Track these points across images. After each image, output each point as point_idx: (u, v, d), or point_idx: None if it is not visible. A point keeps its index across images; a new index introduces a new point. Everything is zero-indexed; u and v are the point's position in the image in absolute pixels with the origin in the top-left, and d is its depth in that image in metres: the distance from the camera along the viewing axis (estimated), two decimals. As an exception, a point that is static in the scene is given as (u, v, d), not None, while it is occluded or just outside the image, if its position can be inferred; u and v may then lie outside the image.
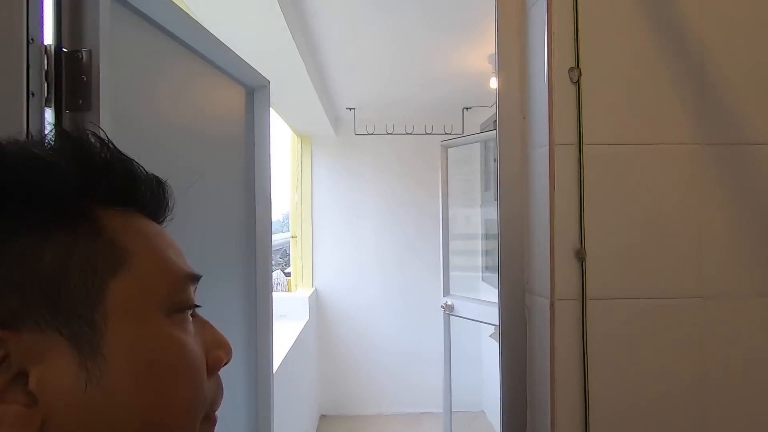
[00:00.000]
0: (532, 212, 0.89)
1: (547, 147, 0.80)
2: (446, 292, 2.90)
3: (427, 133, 3.54)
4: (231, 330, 1.05)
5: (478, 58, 2.44)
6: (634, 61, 0.82)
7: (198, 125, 0.95)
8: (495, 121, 0.93)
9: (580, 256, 0.80)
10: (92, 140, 0.29)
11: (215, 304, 0.96)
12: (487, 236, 3.65)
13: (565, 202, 0.80)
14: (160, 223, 0.34)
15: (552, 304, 0.80)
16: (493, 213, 3.47)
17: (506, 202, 0.93)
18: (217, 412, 0.32)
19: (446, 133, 3.51)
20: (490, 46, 2.30)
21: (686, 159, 0.82)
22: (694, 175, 0.82)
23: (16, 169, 0.26)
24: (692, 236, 0.81)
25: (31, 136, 0.34)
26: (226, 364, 0.32)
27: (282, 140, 3.76)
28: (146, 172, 0.32)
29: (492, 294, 3.41)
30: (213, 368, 0.31)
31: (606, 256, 0.81)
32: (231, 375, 1.04)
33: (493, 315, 2.73)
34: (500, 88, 0.95)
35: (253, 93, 1.20)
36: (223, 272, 1.03)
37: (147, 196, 0.32)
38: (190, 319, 0.31)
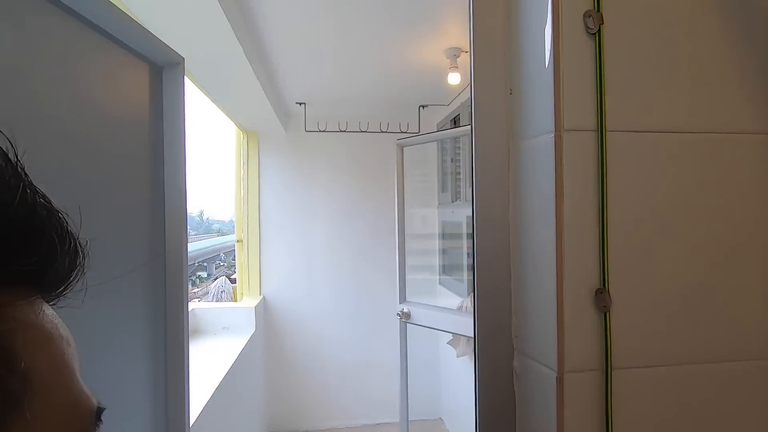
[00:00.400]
0: (524, 232, 0.62)
1: (551, 135, 0.54)
2: (402, 299, 2.76)
3: (382, 132, 3.39)
4: (125, 379, 0.83)
5: (434, 52, 2.31)
6: (683, 5, 0.54)
7: (79, 111, 0.72)
8: (470, 107, 0.67)
9: (603, 303, 0.52)
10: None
11: (110, 327, 0.74)
12: (444, 236, 3.56)
13: (578, 219, 0.53)
14: (55, 302, 0.22)
15: (560, 378, 0.52)
16: (450, 214, 3.38)
17: (484, 216, 0.65)
18: None
19: (402, 132, 3.38)
20: (447, 40, 2.18)
21: (762, 155, 0.55)
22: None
23: None
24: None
25: None
26: None
27: (226, 136, 3.47)
28: (67, 232, 0.21)
29: (450, 299, 3.32)
30: None
31: (643, 302, 0.53)
32: None
33: (451, 321, 2.64)
34: (475, 49, 0.64)
35: (162, 71, 0.98)
36: (117, 298, 0.81)
37: (60, 273, 0.21)
38: None
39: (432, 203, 3.71)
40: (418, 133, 3.25)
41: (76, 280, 0.22)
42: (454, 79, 2.26)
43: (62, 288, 0.22)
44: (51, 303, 0.22)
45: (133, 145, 0.89)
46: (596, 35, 0.53)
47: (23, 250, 0.19)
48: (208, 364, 2.28)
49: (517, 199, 0.63)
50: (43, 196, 0.20)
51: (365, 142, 3.52)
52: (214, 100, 2.63)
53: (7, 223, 0.18)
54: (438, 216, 3.64)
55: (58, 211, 0.21)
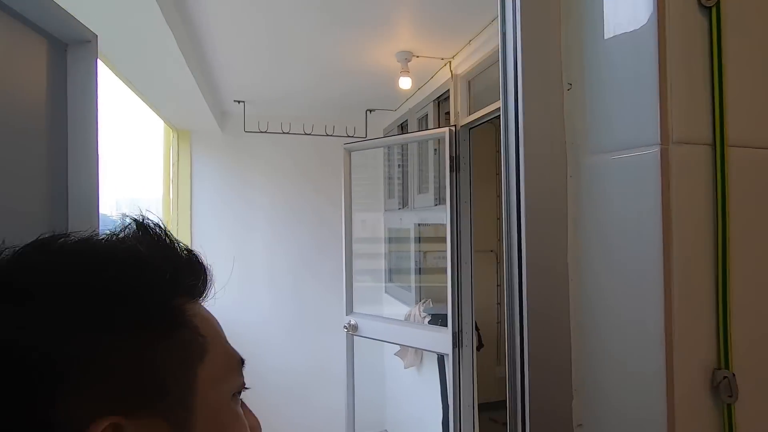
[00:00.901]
0: (593, 283, 0.43)
1: (652, 149, 0.37)
2: (349, 310, 2.64)
3: (327, 135, 3.25)
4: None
5: (385, 55, 2.24)
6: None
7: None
8: (502, 106, 0.49)
9: (727, 391, 0.36)
10: (162, 231, 0.34)
11: None
12: (390, 243, 3.50)
13: (690, 267, 0.37)
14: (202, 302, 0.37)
15: None
16: (398, 221, 3.33)
17: (534, 257, 0.44)
18: None
19: (348, 136, 3.27)
20: (398, 43, 2.11)
21: None
22: None
23: (134, 274, 0.30)
24: None
25: (124, 231, 0.34)
26: None
27: (153, 134, 3.14)
28: (200, 258, 0.36)
29: (396, 307, 3.25)
30: None
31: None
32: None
33: (399, 333, 2.55)
34: (518, 21, 0.43)
35: (66, 49, 0.79)
36: None
37: (203, 282, 0.36)
38: (240, 402, 0.36)
39: (377, 209, 3.64)
40: (366, 138, 3.16)
41: (210, 290, 0.37)
42: (405, 83, 2.20)
43: (205, 295, 0.36)
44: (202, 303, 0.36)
45: (23, 137, 0.70)
46: (713, 11, 0.35)
47: (196, 275, 0.35)
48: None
49: (583, 235, 0.44)
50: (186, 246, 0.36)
51: (309, 145, 3.36)
52: (138, 93, 2.34)
53: (185, 263, 0.34)
54: (384, 222, 3.57)
55: (194, 251, 0.35)
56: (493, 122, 2.91)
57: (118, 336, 0.28)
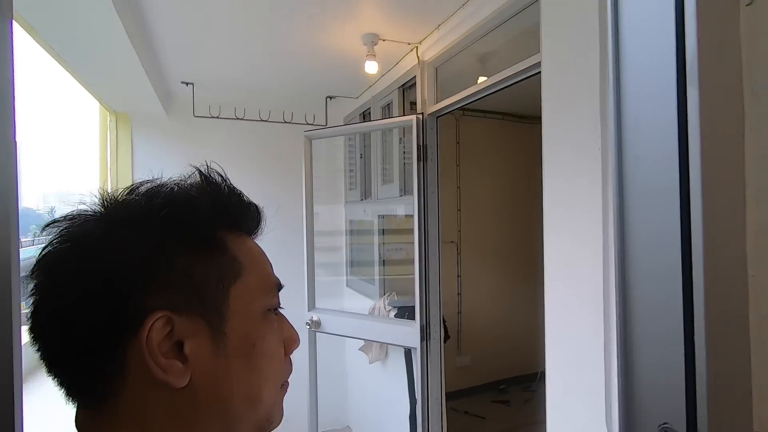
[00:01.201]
0: None
1: None
2: (311, 305, 2.52)
3: (286, 122, 3.08)
4: None
5: (349, 37, 2.12)
6: None
7: None
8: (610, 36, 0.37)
9: None
10: (216, 176, 0.44)
11: None
12: (351, 235, 3.40)
13: None
14: (254, 238, 0.47)
15: None
16: (361, 213, 3.23)
17: (712, 247, 0.33)
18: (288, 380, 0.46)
19: (307, 123, 3.11)
20: (364, 25, 2.00)
21: None
22: None
23: (184, 212, 0.40)
24: None
25: (185, 179, 0.44)
26: (295, 349, 0.46)
27: (86, 118, 2.81)
28: (250, 201, 0.46)
29: (359, 301, 3.18)
30: (287, 352, 0.45)
31: None
32: None
33: (363, 327, 2.48)
34: None
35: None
36: None
37: (251, 221, 0.45)
38: (275, 316, 0.45)
39: (338, 201, 3.53)
40: (327, 126, 3.03)
41: (261, 226, 0.47)
42: (371, 67, 2.09)
43: (257, 231, 0.47)
44: (252, 237, 0.46)
45: None
46: None
47: (241, 215, 0.44)
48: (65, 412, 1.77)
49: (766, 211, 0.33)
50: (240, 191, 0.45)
51: (265, 133, 3.17)
52: (67, 66, 2.06)
53: (237, 202, 0.44)
54: (345, 214, 3.47)
55: (244, 196, 0.45)
56: (453, 113, 2.88)
57: (171, 256, 0.38)
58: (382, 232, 2.94)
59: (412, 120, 2.13)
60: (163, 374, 0.36)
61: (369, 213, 3.00)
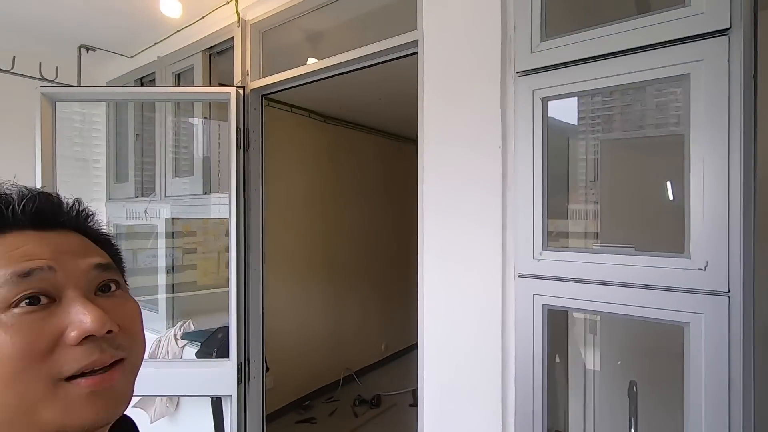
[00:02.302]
0: None
1: None
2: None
3: (7, 72, 1.98)
4: None
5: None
6: None
7: None
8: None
9: None
10: None
11: None
12: (116, 237, 2.47)
13: None
14: (55, 226, 0.41)
15: None
16: (142, 214, 2.35)
17: None
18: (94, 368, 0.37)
19: (44, 79, 2.08)
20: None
21: None
22: None
23: None
24: None
25: None
26: (88, 333, 0.36)
27: None
28: (26, 191, 0.40)
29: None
30: (73, 342, 0.36)
31: None
32: None
33: (142, 378, 1.68)
34: None
35: None
36: None
37: (20, 216, 0.39)
38: (18, 312, 0.35)
39: (96, 196, 2.53)
40: (82, 85, 2.07)
41: (54, 215, 0.42)
42: (172, 9, 1.47)
43: (48, 220, 0.41)
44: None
45: None
46: None
47: None
48: None
49: None
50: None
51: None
52: None
53: None
54: (108, 217, 2.50)
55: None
56: (293, 110, 2.43)
57: None
58: (172, 235, 2.21)
59: (229, 93, 1.61)
60: None
61: (151, 215, 2.21)
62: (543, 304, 0.96)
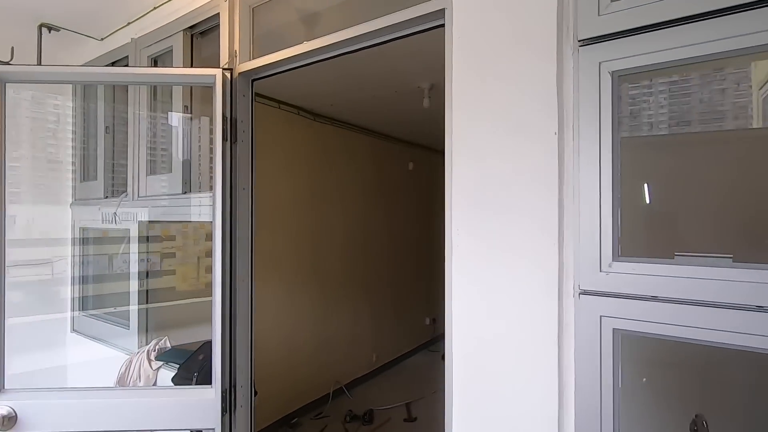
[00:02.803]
0: None
1: None
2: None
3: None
4: None
5: None
6: None
7: None
8: None
9: None
10: None
11: None
12: (84, 251, 2.20)
13: None
14: None
15: None
16: (112, 216, 2.08)
17: None
18: None
19: (-2, 62, 1.81)
20: None
21: None
22: None
23: None
24: None
25: None
26: None
27: None
28: None
29: (100, 358, 2.02)
30: None
31: None
32: None
33: (100, 411, 1.40)
34: None
35: None
36: None
37: None
38: None
39: (59, 198, 2.25)
40: (42, 64, 1.81)
41: None
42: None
43: None
44: None
45: None
46: None
47: None
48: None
49: None
50: None
51: None
52: None
53: None
54: (73, 220, 2.23)
55: None
56: (281, 107, 2.20)
57: None
58: (147, 240, 1.96)
59: (214, 76, 1.38)
60: None
61: (122, 218, 1.95)
62: (614, 329, 0.77)
